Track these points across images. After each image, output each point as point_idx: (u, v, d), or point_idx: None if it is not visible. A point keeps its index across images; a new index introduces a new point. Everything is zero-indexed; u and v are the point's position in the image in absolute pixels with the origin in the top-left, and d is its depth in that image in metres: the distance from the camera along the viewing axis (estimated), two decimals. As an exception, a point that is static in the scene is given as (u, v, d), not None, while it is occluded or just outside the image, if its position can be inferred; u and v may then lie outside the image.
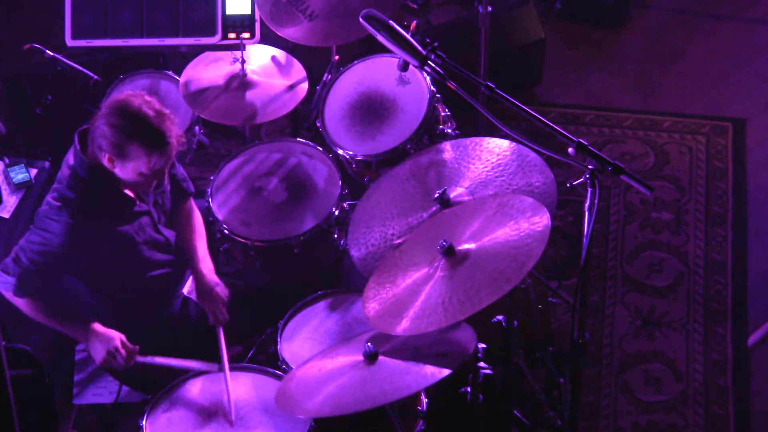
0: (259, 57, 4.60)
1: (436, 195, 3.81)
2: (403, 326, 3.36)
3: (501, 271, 3.32)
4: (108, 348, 3.72)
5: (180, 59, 4.73)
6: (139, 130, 3.59)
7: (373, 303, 3.50)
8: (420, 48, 3.41)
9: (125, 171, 3.65)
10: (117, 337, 3.75)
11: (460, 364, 3.37)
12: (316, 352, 3.73)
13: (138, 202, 3.79)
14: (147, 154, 3.61)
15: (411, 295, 3.44)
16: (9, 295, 3.77)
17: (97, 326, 3.76)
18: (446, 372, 3.29)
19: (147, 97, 3.66)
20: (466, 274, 3.39)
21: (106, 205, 3.72)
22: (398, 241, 3.72)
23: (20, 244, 3.72)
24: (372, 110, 4.39)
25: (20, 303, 3.78)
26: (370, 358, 3.40)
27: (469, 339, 3.44)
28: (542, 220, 3.39)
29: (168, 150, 3.64)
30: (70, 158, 3.71)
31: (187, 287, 4.03)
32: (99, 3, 4.63)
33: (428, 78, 4.33)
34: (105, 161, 3.63)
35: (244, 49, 4.51)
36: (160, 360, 3.78)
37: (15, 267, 3.71)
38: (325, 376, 3.44)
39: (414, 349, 3.41)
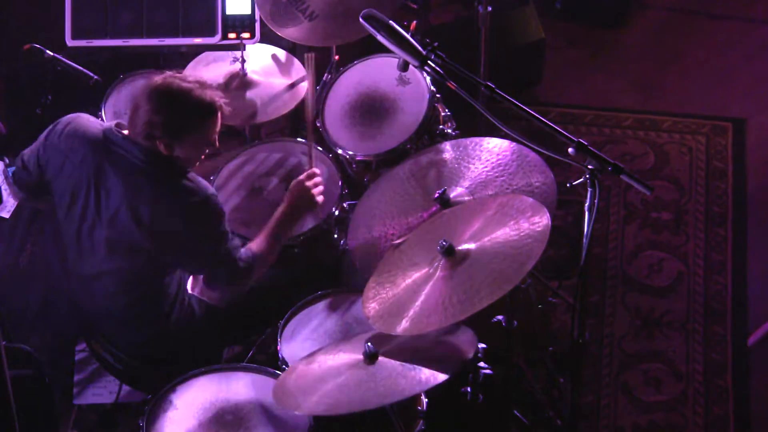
0: (259, 56, 4.60)
1: (436, 195, 3.81)
2: (403, 326, 3.36)
3: (501, 271, 3.32)
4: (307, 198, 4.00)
5: (180, 59, 4.73)
6: (189, 106, 3.62)
7: (373, 303, 3.50)
8: (420, 48, 3.41)
9: (184, 149, 3.67)
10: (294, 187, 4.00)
11: (458, 369, 3.37)
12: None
13: None
14: (202, 126, 3.66)
15: (411, 295, 3.43)
16: (246, 280, 3.86)
17: (277, 210, 3.96)
18: (443, 377, 3.29)
19: (176, 74, 3.69)
20: (466, 274, 3.38)
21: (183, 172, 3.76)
22: (398, 241, 3.72)
23: (207, 256, 3.77)
24: (372, 110, 4.39)
25: (257, 272, 3.88)
26: (370, 358, 3.40)
27: (468, 343, 3.44)
28: (542, 220, 3.38)
29: (219, 116, 3.69)
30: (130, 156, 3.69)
31: (190, 283, 4.02)
32: (99, 3, 4.63)
33: (428, 78, 4.33)
34: (162, 148, 3.64)
35: (244, 49, 4.51)
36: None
37: (223, 268, 3.79)
38: (324, 373, 3.44)
39: (413, 351, 3.41)
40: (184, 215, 3.67)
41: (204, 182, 3.75)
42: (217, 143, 3.75)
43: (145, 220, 3.65)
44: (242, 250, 3.83)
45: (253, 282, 3.90)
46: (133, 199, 3.66)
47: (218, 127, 3.72)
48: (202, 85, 3.68)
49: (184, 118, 3.63)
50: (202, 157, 3.78)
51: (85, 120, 3.81)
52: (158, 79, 3.66)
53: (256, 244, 3.88)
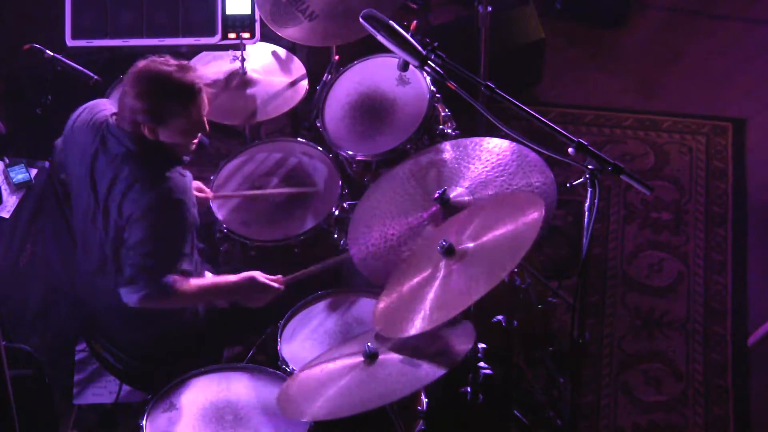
0: (258, 54, 4.60)
1: (436, 195, 3.81)
2: (410, 328, 3.36)
3: (497, 261, 3.33)
4: (258, 289, 3.80)
5: (180, 59, 4.72)
6: (169, 88, 3.61)
7: (382, 316, 3.51)
8: (420, 48, 3.41)
9: (169, 134, 3.65)
10: (257, 274, 3.81)
11: (459, 362, 3.37)
12: (316, 352, 3.73)
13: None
14: (183, 109, 3.63)
15: (416, 297, 3.44)
16: (153, 303, 3.67)
17: (229, 278, 3.80)
18: (442, 372, 3.29)
19: (160, 58, 3.68)
20: (466, 269, 3.39)
21: (168, 166, 3.71)
22: (405, 254, 3.73)
23: (142, 253, 3.60)
24: (372, 110, 4.39)
25: (166, 303, 3.70)
26: (370, 357, 3.40)
27: (467, 335, 3.44)
28: (536, 211, 3.39)
29: (201, 98, 3.65)
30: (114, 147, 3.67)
31: None
32: (99, 3, 4.63)
33: (428, 78, 4.33)
34: (147, 133, 3.63)
35: (244, 49, 4.51)
36: (304, 272, 3.92)
37: (147, 275, 3.60)
38: (325, 378, 3.44)
39: (413, 348, 3.41)
40: (146, 204, 3.62)
41: (183, 187, 3.67)
42: (206, 127, 3.71)
43: (117, 200, 3.65)
44: (175, 276, 3.64)
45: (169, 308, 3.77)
46: (117, 181, 3.66)
47: (204, 110, 3.67)
48: (183, 67, 3.66)
49: (165, 102, 3.61)
50: (195, 141, 3.74)
51: (99, 108, 3.83)
52: (140, 63, 3.66)
53: (188, 285, 3.68)
